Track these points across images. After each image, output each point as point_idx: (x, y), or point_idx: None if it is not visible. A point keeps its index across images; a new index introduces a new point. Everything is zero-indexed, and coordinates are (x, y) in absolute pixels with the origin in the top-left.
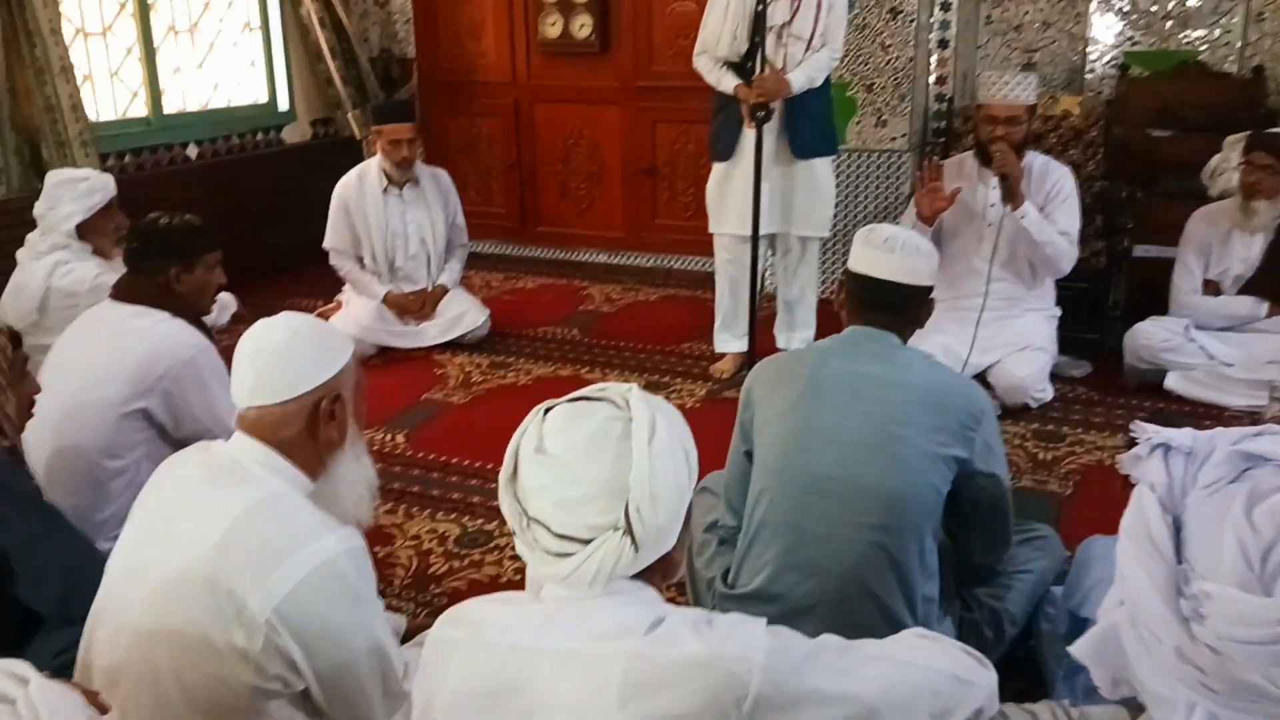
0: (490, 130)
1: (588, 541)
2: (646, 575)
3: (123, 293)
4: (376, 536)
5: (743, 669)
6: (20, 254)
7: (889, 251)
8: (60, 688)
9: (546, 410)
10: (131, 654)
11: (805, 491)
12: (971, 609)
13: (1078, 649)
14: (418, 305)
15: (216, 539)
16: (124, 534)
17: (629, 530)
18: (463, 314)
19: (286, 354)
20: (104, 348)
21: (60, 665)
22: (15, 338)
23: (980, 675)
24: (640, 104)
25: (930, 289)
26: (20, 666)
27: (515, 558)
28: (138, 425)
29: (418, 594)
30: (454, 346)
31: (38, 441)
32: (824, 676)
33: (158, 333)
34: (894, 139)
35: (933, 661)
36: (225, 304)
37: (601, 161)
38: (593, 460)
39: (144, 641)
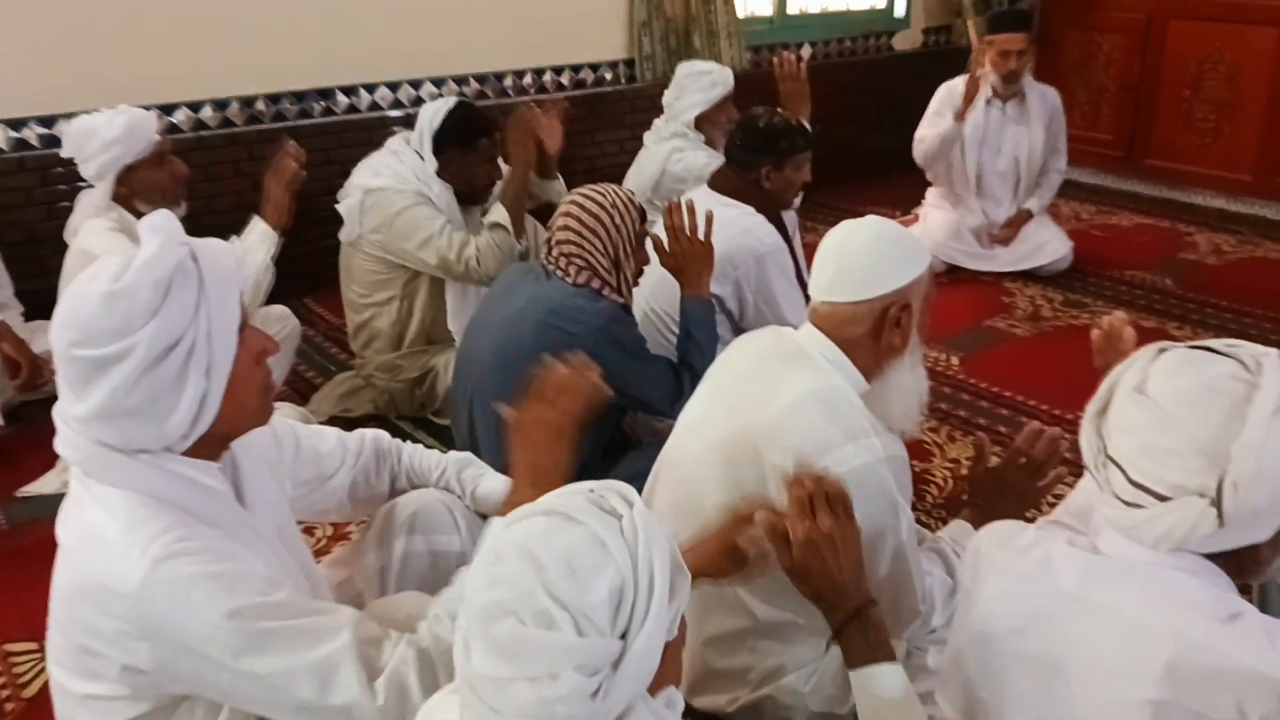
0: (1111, 47)
1: (1164, 499)
2: (1221, 561)
3: (718, 182)
4: (915, 450)
5: None
6: (646, 136)
7: None
8: (653, 516)
9: (1161, 350)
10: (688, 497)
11: None
12: None
13: None
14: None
15: (773, 415)
16: (698, 392)
17: (1217, 502)
18: (1044, 244)
19: (867, 256)
20: None
21: None
22: (641, 212)
23: None
24: None
25: None
26: (628, 490)
27: (1052, 505)
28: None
29: (947, 515)
30: (1028, 276)
31: (638, 304)
32: None
33: (740, 225)
34: None
35: None
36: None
37: (1240, 90)
38: (1197, 414)
39: (698, 488)
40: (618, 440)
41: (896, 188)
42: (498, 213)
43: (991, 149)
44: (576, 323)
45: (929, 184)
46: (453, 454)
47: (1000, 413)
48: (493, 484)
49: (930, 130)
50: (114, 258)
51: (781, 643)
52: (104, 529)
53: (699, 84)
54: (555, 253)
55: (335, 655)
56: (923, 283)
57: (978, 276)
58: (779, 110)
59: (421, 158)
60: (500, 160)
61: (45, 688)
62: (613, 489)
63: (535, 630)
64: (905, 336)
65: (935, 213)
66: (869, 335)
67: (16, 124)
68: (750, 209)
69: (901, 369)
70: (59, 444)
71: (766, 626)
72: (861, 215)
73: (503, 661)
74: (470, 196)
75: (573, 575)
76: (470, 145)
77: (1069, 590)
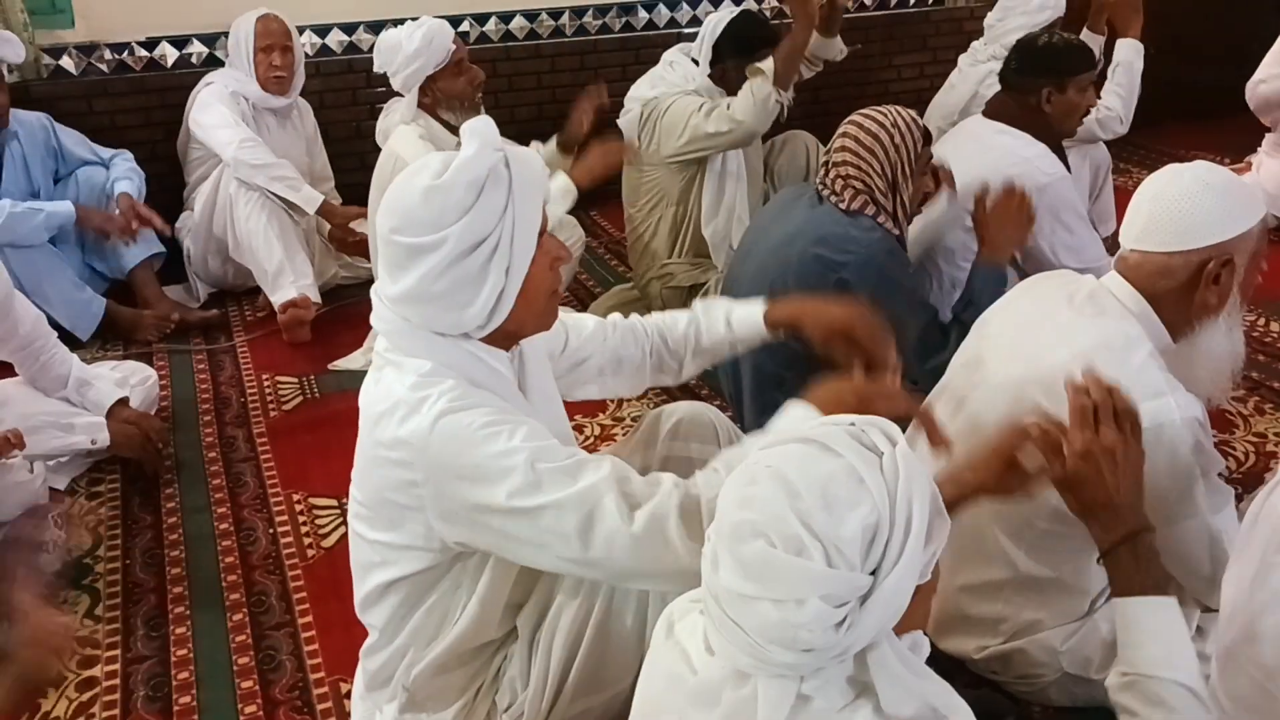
0: None
1: None
2: None
3: (994, 109)
4: (1218, 420)
5: None
6: (961, 58)
7: None
8: (916, 458)
9: None
10: (961, 438)
11: None
12: None
13: None
14: None
15: (1058, 363)
16: (976, 329)
17: None
18: None
19: (1187, 204)
20: (970, 161)
21: None
22: (926, 134)
23: None
24: None
25: None
26: (892, 428)
27: None
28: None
29: (1243, 491)
30: None
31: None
32: None
33: (1019, 155)
34: None
35: None
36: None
37: None
38: None
39: (974, 429)
40: None
41: (1228, 132)
42: (764, 63)
43: None
44: (846, 253)
45: (1267, 129)
46: (698, 303)
47: None
48: (747, 309)
49: (1274, 70)
50: (437, 156)
51: (1041, 597)
52: (399, 389)
53: (1026, 6)
54: (831, 175)
55: (599, 486)
56: (1251, 238)
57: None
58: (1059, 32)
59: (697, 64)
60: None
61: (342, 540)
62: (876, 425)
63: (785, 555)
64: (1224, 296)
65: (1271, 162)
66: (1182, 290)
67: (349, 27)
68: (1030, 138)
69: (1215, 330)
70: (374, 317)
71: (1028, 580)
72: (1183, 160)
73: (749, 581)
74: None
75: (827, 506)
76: (751, 54)
77: None
